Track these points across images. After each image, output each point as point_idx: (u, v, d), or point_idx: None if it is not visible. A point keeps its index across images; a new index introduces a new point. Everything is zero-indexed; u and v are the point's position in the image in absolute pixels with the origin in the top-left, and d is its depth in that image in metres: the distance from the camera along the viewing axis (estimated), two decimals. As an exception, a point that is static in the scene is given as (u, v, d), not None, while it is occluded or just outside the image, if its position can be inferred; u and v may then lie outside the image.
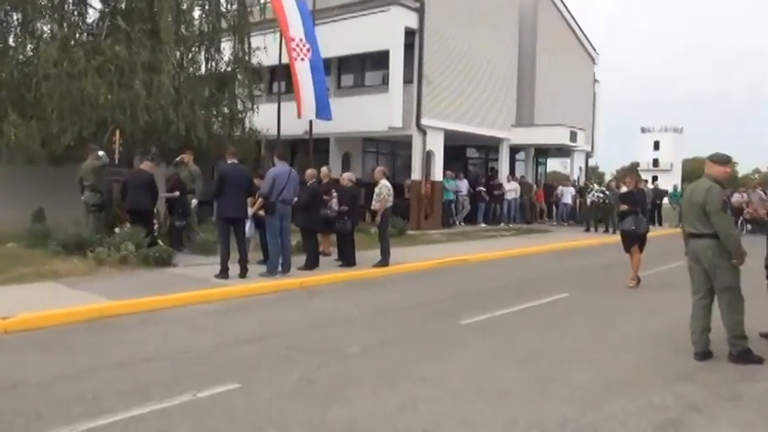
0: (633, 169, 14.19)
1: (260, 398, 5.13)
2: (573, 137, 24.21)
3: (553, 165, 34.39)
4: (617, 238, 12.88)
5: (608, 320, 8.54)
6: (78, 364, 6.06)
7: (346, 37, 19.61)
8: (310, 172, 11.87)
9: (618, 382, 5.73)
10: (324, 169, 13.44)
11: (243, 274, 10.43)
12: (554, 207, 26.14)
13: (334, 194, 12.22)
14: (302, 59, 16.84)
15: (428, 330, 7.76)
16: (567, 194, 24.97)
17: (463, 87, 21.31)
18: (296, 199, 11.04)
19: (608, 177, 53.23)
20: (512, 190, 23.39)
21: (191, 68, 16.54)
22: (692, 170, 76.26)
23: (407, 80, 19.61)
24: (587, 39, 28.11)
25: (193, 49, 16.66)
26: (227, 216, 10.31)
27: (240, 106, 17.07)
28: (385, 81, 19.71)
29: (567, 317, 8.71)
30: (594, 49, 28.41)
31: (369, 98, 19.84)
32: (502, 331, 7.77)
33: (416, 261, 13.19)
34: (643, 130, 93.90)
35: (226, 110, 16.62)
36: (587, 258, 15.76)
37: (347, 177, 12.20)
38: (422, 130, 19.77)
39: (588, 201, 22.09)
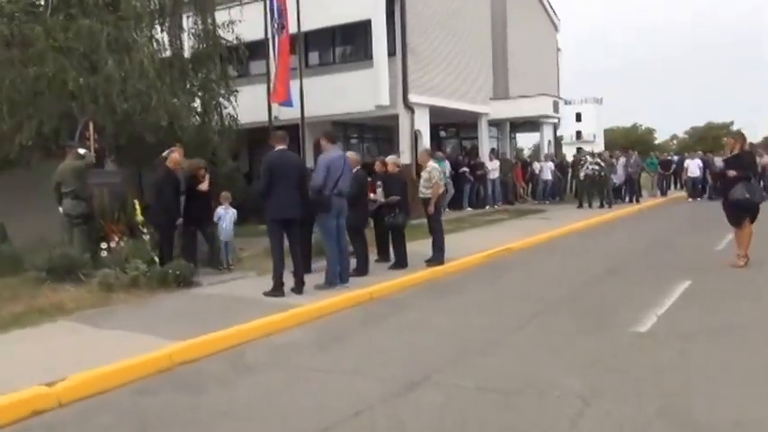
0: (738, 132, 13.24)
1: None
2: (555, 107, 23.01)
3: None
4: (616, 212, 11.69)
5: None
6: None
7: (317, 9, 17.43)
8: (354, 157, 9.81)
9: None
10: (352, 154, 11.45)
11: (299, 288, 8.39)
12: (529, 184, 24.84)
13: (378, 183, 10.25)
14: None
15: (616, 344, 6.06)
16: (547, 170, 23.72)
17: (446, 60, 19.62)
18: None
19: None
20: (494, 169, 21.92)
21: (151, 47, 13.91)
22: (613, 140, 77.85)
23: (389, 53, 17.68)
24: (550, 4, 26.90)
25: (156, 24, 14.07)
26: (282, 217, 8.21)
27: (221, 90, 14.57)
28: (365, 55, 17.72)
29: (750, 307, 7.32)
30: (557, 15, 27.30)
31: (349, 75, 17.69)
32: (703, 339, 6.21)
33: (461, 256, 11.32)
34: (566, 102, 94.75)
35: (201, 95, 14.07)
36: (627, 237, 14.84)
37: (393, 162, 10.25)
38: (409, 108, 17.96)
39: (582, 174, 20.87)
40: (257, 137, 17.77)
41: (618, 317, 7.10)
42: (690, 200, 24.10)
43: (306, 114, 16.69)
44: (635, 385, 4.91)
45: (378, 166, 10.59)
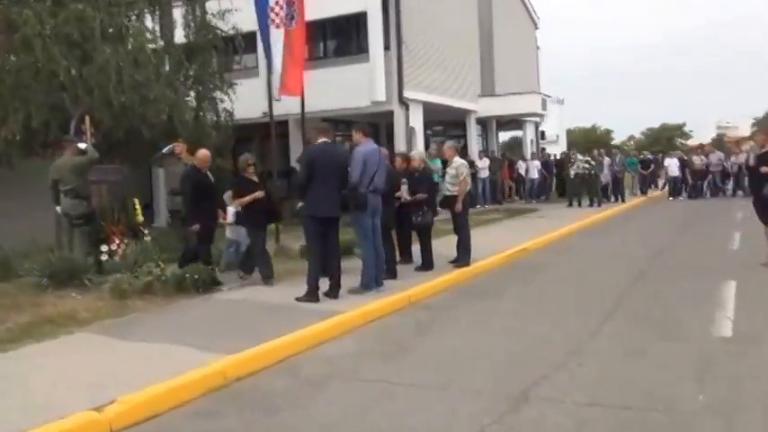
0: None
1: None
2: (544, 105, 22.69)
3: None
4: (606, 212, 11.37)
5: None
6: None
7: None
8: (384, 152, 9.14)
9: None
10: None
11: (335, 293, 7.75)
12: (514, 183, 24.50)
13: (402, 180, 9.64)
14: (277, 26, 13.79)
15: (709, 350, 5.62)
16: (534, 169, 23.41)
17: (437, 56, 19.09)
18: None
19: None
20: (484, 168, 21.50)
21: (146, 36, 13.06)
22: (575, 140, 78.40)
23: (384, 47, 17.08)
24: (530, 1, 26.63)
25: (146, 13, 13.17)
26: (321, 215, 7.57)
27: (216, 83, 13.71)
28: (360, 49, 17.09)
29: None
30: (536, 13, 27.05)
31: (344, 70, 17.02)
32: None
33: (479, 257, 10.70)
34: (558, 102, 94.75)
35: (198, 88, 13.20)
36: (634, 237, 14.56)
37: (419, 157, 9.65)
38: (404, 104, 17.39)
39: (572, 173, 20.59)
40: (245, 134, 16.94)
41: (689, 321, 6.67)
42: (671, 198, 24.10)
43: (296, 110, 15.91)
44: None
45: (398, 162, 10.01)
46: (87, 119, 9.94)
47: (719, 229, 14.84)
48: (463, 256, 9.85)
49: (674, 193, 24.42)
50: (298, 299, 7.58)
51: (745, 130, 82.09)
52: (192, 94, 12.86)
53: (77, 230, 9.13)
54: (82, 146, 9.18)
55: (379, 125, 19.96)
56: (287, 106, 16.06)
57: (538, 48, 28.14)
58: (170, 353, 5.70)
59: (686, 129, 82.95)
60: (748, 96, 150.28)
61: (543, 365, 5.33)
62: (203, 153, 8.71)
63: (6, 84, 10.30)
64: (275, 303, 7.60)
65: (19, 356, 5.69)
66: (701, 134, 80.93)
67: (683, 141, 75.69)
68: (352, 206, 7.91)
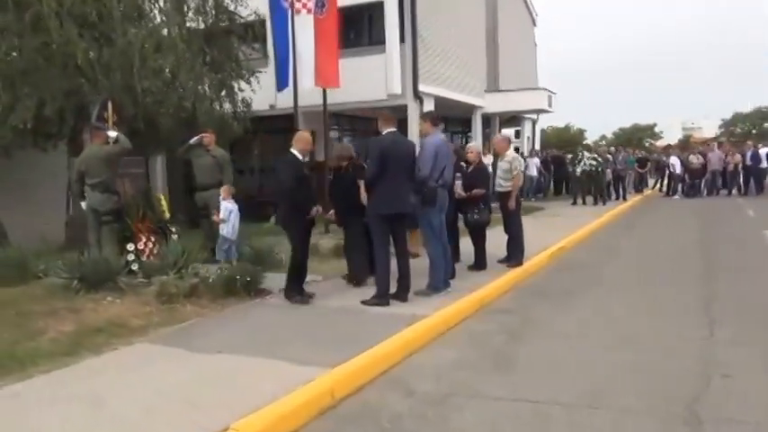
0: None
1: None
2: (550, 101, 22.25)
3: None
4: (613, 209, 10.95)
5: None
6: None
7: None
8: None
9: None
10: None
11: (405, 295, 7.12)
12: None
13: (457, 174, 9.00)
14: (297, 11, 13.03)
15: None
16: (533, 166, 22.96)
17: (447, 49, 18.49)
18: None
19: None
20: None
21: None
22: (546, 139, 78.60)
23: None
24: (529, -4, 26.26)
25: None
26: (392, 212, 6.92)
27: (235, 71, 12.85)
28: (375, 41, 16.41)
29: None
30: (534, 10, 26.63)
31: (360, 61, 16.18)
32: None
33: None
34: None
35: (218, 76, 12.32)
36: (663, 233, 14.17)
37: (475, 150, 9.04)
38: (418, 98, 16.76)
39: (578, 171, 20.19)
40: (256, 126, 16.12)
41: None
42: (673, 196, 23.89)
43: (305, 103, 15.10)
44: None
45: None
46: (110, 105, 9.13)
47: (742, 225, 14.67)
48: (516, 255, 9.31)
49: (672, 191, 24.27)
50: (365, 302, 6.93)
51: (709, 131, 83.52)
52: (207, 82, 11.98)
53: (106, 228, 8.33)
54: (112, 134, 8.37)
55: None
56: (291, 99, 15.35)
57: (535, 44, 27.74)
58: (261, 367, 4.99)
59: (657, 129, 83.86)
60: (714, 98, 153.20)
61: (686, 378, 4.79)
62: (305, 137, 7.39)
63: (16, 66, 9.39)
64: (340, 307, 6.94)
65: (84, 373, 4.95)
66: (669, 135, 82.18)
67: (653, 142, 76.59)
68: (422, 202, 7.28)
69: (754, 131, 64.82)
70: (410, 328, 6.02)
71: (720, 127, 77.21)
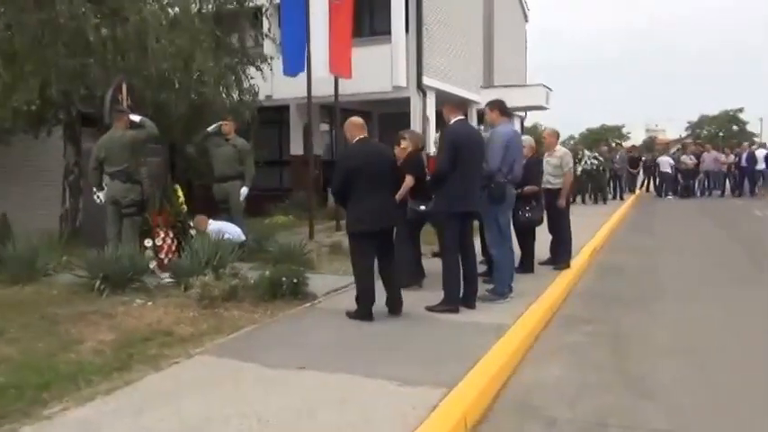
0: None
1: None
2: (547, 98, 21.82)
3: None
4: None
5: None
6: None
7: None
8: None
9: None
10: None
11: (474, 301, 6.47)
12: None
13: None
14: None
15: None
16: (527, 164, 22.51)
17: (450, 41, 17.89)
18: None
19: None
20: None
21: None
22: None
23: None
24: (523, -8, 25.76)
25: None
26: (467, 210, 6.26)
27: (245, 57, 11.97)
28: (380, 30, 15.69)
29: None
30: (527, 6, 26.19)
31: (365, 51, 15.38)
32: None
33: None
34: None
35: (230, 61, 11.40)
36: (690, 232, 13.70)
37: (528, 144, 8.42)
38: (422, 91, 16.11)
39: (579, 170, 19.77)
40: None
41: None
42: (668, 196, 23.74)
43: (300, 94, 14.22)
44: None
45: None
46: (125, 88, 8.28)
47: (758, 224, 14.56)
48: (564, 257, 8.74)
49: (663, 191, 24.15)
50: (431, 309, 6.24)
51: (672, 133, 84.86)
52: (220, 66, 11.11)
53: (127, 221, 7.50)
54: (136, 118, 7.53)
55: (370, 113, 18.73)
56: (286, 90, 14.58)
57: (526, 41, 27.34)
58: (366, 388, 4.24)
59: (624, 131, 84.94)
60: (680, 99, 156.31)
61: None
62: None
63: (19, 41, 8.46)
64: (404, 313, 6.21)
65: (153, 393, 4.16)
66: (634, 136, 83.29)
67: (619, 142, 77.45)
68: (489, 198, 6.64)
69: (720, 134, 65.80)
70: (502, 339, 5.37)
71: (687, 129, 78.36)
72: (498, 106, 6.89)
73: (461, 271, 6.25)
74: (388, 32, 15.36)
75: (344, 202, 6.01)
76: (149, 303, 6.41)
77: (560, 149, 8.82)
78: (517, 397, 4.44)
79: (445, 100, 17.25)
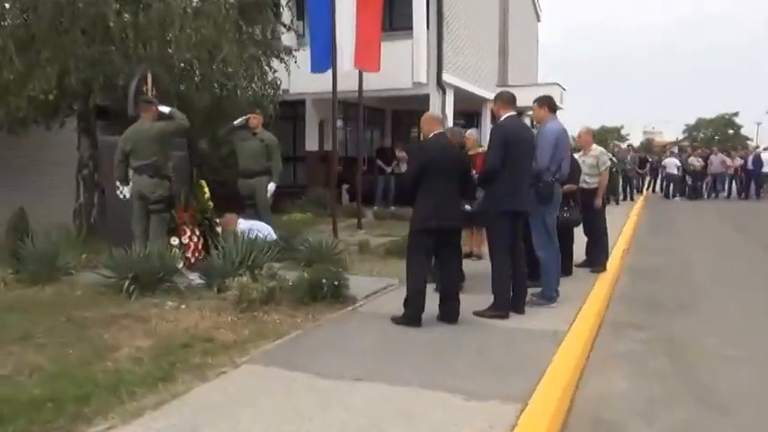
0: None
1: None
2: (561, 98, 21.50)
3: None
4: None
5: None
6: None
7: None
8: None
9: None
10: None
11: (523, 306, 6.16)
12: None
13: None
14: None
15: None
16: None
17: (468, 38, 17.56)
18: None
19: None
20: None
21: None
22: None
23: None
24: (537, -8, 25.43)
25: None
26: (518, 209, 5.95)
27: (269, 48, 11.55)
28: (400, 25, 15.33)
29: None
30: (540, 5, 25.86)
31: (384, 47, 14.98)
32: None
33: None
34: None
35: (258, 52, 10.95)
36: (717, 233, 13.42)
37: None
38: (441, 88, 15.79)
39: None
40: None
41: None
42: (676, 198, 23.52)
43: (318, 89, 13.88)
44: None
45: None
46: (150, 78, 7.94)
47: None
48: (601, 259, 8.48)
49: (671, 193, 23.97)
50: (479, 314, 5.93)
51: (669, 135, 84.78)
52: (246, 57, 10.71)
53: (155, 218, 7.14)
54: (165, 110, 7.18)
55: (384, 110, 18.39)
56: (303, 84, 14.23)
57: (538, 41, 27.01)
58: (435, 403, 3.91)
59: (623, 132, 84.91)
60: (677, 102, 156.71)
61: None
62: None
63: (35, 26, 8.10)
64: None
65: (205, 407, 3.84)
66: (631, 138, 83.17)
67: (617, 143, 77.31)
68: (536, 198, 6.33)
69: (716, 137, 65.86)
70: (562, 347, 5.06)
71: (684, 132, 78.30)
72: (547, 102, 6.58)
73: (517, 274, 5.94)
74: (409, 28, 14.98)
75: (413, 197, 5.66)
76: (183, 306, 6.07)
77: (596, 148, 8.59)
78: (588, 411, 4.16)
79: (463, 97, 17.31)
